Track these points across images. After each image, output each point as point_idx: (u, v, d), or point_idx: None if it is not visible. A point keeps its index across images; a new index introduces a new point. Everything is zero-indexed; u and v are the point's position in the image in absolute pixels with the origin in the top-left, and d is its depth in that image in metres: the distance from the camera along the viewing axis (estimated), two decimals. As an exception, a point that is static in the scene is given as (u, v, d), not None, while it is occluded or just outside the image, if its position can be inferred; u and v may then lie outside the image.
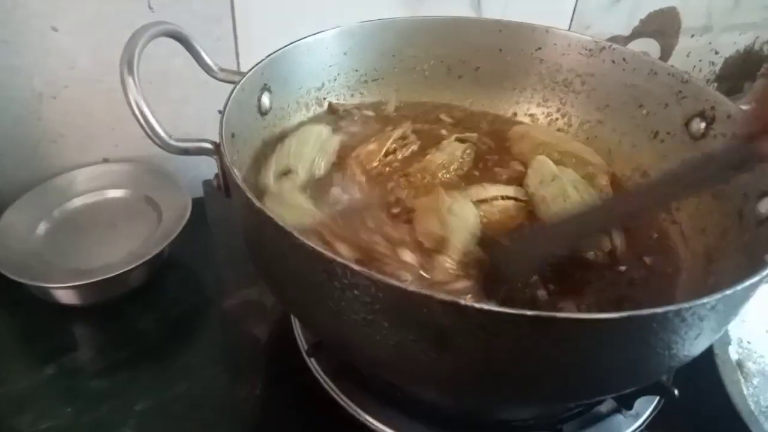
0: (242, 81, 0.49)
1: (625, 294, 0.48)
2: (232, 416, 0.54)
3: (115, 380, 0.57)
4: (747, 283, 0.33)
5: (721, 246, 0.49)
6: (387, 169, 0.60)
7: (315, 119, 0.64)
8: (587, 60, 0.64)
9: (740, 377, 0.54)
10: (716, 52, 1.05)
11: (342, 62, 0.64)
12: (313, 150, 0.58)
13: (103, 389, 0.56)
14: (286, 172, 0.56)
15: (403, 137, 0.63)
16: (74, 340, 0.61)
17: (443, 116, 0.69)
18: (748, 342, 0.59)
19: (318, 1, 0.74)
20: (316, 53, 0.61)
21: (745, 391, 0.53)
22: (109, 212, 0.71)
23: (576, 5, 0.88)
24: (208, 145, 0.44)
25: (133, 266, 0.61)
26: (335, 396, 0.51)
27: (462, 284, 0.44)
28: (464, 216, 0.50)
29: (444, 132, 0.66)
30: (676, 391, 0.48)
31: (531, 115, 0.69)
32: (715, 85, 1.09)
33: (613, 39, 0.93)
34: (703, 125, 0.54)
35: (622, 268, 0.50)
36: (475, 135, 0.64)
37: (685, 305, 0.31)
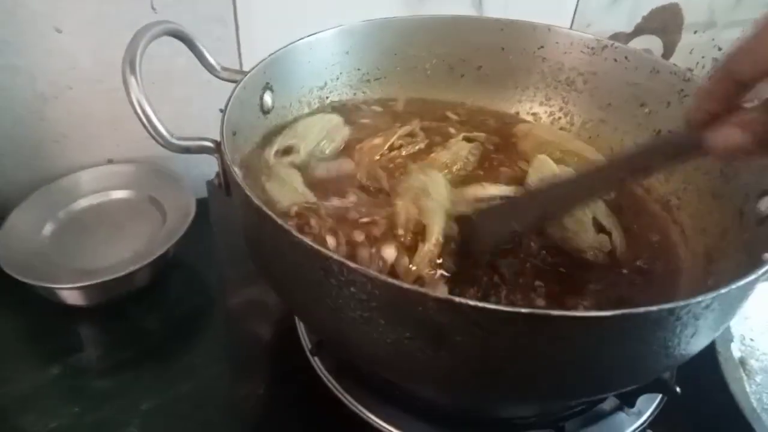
0: (244, 80, 0.50)
1: (625, 294, 0.48)
2: (236, 415, 0.54)
3: (120, 380, 0.57)
4: (743, 282, 0.33)
5: (722, 245, 0.48)
6: (390, 165, 0.60)
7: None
8: (589, 58, 0.64)
9: (743, 375, 0.54)
10: (719, 49, 1.04)
11: (344, 61, 0.64)
12: (320, 134, 0.59)
13: (108, 389, 0.57)
14: (288, 150, 0.56)
15: (411, 134, 0.63)
16: (79, 340, 0.62)
17: (450, 114, 0.69)
18: (751, 339, 0.59)
19: (320, 1, 0.74)
20: (318, 52, 0.61)
21: (748, 389, 0.52)
22: (113, 213, 0.72)
23: (578, 3, 0.88)
24: (209, 144, 0.44)
25: (138, 267, 0.62)
26: (339, 394, 0.51)
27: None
28: (439, 194, 0.50)
29: (452, 130, 0.66)
30: (678, 389, 0.48)
31: (534, 114, 0.69)
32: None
33: (616, 36, 0.93)
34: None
35: (623, 269, 0.50)
36: (483, 135, 0.64)
37: (680, 303, 0.31)
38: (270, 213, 0.36)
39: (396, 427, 0.49)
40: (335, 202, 0.50)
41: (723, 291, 0.33)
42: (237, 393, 0.56)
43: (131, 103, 0.41)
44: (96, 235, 0.68)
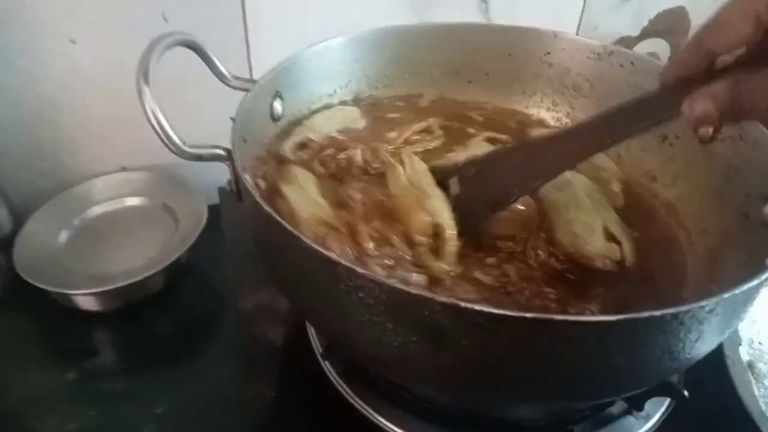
0: (254, 89, 0.51)
1: (632, 300, 0.48)
2: (248, 417, 0.55)
3: (135, 383, 0.59)
4: (746, 286, 0.33)
5: (726, 249, 0.48)
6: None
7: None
8: (595, 64, 0.64)
9: (751, 378, 0.54)
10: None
11: (353, 68, 0.65)
12: (334, 128, 0.60)
13: (123, 392, 0.58)
14: (304, 144, 0.57)
15: (428, 130, 0.64)
16: (94, 345, 0.63)
17: (473, 114, 0.69)
18: (759, 343, 0.59)
19: (328, 8, 0.75)
20: (327, 60, 0.62)
21: (756, 392, 0.52)
22: (127, 220, 0.73)
23: (584, 7, 0.89)
24: (221, 152, 0.45)
25: (152, 272, 0.63)
26: (348, 398, 0.52)
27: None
28: (429, 183, 0.52)
29: (472, 130, 0.66)
30: (686, 393, 0.48)
31: (541, 120, 0.69)
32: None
33: (622, 40, 0.93)
34: (711, 129, 0.53)
35: (630, 276, 0.50)
36: (506, 137, 0.64)
37: (683, 308, 0.31)
38: (279, 219, 0.37)
39: (405, 430, 0.49)
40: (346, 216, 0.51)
41: (726, 295, 0.33)
42: (248, 396, 0.56)
43: (145, 112, 0.41)
44: (110, 242, 0.70)
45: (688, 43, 0.38)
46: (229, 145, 0.45)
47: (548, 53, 0.66)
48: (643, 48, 0.94)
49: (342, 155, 0.57)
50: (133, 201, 0.75)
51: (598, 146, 0.47)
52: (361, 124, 0.63)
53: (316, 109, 0.63)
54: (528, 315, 0.31)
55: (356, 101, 0.67)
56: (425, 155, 0.60)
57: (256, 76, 0.54)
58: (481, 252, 0.49)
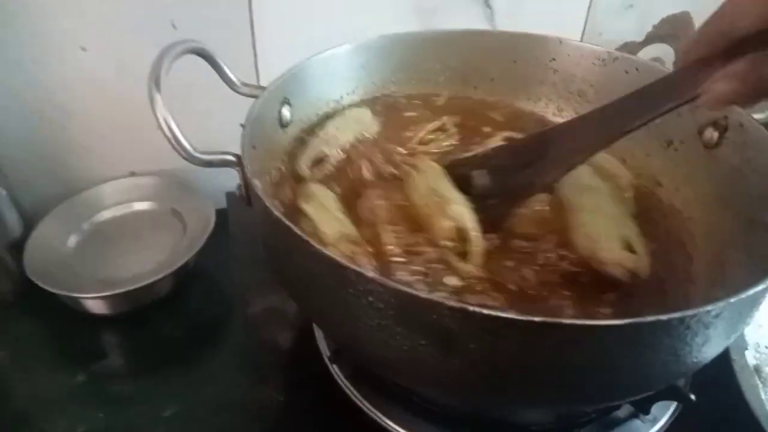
0: (263, 95, 0.51)
1: (644, 307, 0.48)
2: (255, 420, 0.55)
3: (143, 386, 0.59)
4: (752, 291, 0.34)
5: (731, 254, 0.48)
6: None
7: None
8: (600, 70, 0.64)
9: (758, 382, 0.54)
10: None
11: (360, 75, 0.65)
12: (349, 137, 0.60)
13: (132, 395, 0.58)
14: (320, 159, 0.58)
15: (442, 129, 0.64)
16: (103, 348, 0.63)
17: (492, 114, 0.69)
18: (766, 347, 0.59)
19: (334, 15, 0.76)
20: (335, 67, 0.62)
21: (763, 396, 0.52)
22: (136, 224, 0.73)
23: (588, 12, 0.89)
24: (231, 158, 0.45)
25: (160, 277, 0.63)
26: (357, 401, 0.52)
27: None
28: (447, 188, 0.52)
29: (487, 129, 0.66)
30: (693, 397, 0.48)
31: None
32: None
33: (626, 45, 0.93)
34: (716, 134, 0.53)
35: (644, 286, 0.49)
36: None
37: (689, 312, 0.32)
38: (289, 223, 0.38)
39: (412, 432, 0.50)
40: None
41: (733, 300, 0.33)
42: (256, 399, 0.57)
43: (157, 119, 0.42)
44: (119, 246, 0.70)
45: (708, 21, 0.38)
46: (238, 151, 0.46)
47: (553, 59, 0.67)
48: (647, 53, 0.95)
49: (353, 170, 0.58)
50: (141, 206, 0.75)
51: (622, 129, 0.46)
52: (374, 127, 0.63)
53: (329, 113, 0.64)
54: (536, 319, 0.31)
55: (373, 100, 0.67)
56: (442, 157, 0.60)
57: (263, 83, 0.55)
58: (500, 253, 0.50)
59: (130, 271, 0.66)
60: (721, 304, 0.33)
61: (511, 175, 0.52)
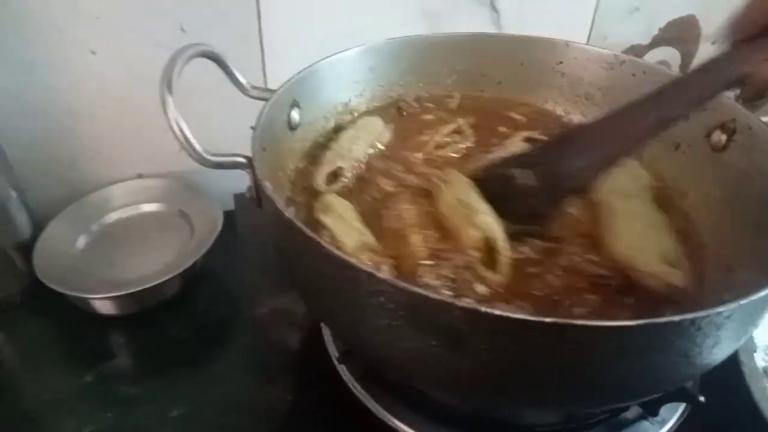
0: (272, 98, 0.51)
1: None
2: (263, 421, 0.56)
3: (151, 387, 0.59)
4: (763, 293, 0.34)
5: (739, 257, 0.48)
6: (437, 160, 0.60)
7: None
8: (607, 73, 0.65)
9: (767, 384, 0.54)
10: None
11: (367, 78, 0.66)
12: (363, 148, 0.60)
13: (140, 395, 0.58)
14: (336, 174, 0.58)
15: (458, 131, 0.64)
16: (111, 348, 0.64)
17: (510, 113, 0.69)
18: (775, 349, 0.59)
19: (342, 19, 0.76)
20: (343, 70, 0.63)
21: (772, 398, 0.52)
22: (144, 226, 0.74)
23: (594, 16, 0.89)
24: (242, 159, 0.46)
25: (168, 278, 0.64)
26: (365, 402, 0.52)
27: None
28: (475, 199, 0.51)
29: (504, 129, 0.66)
30: (702, 398, 0.48)
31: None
32: (738, 91, 1.08)
33: (633, 48, 0.93)
34: (724, 137, 0.54)
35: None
36: (545, 138, 0.64)
37: (701, 314, 0.32)
38: (301, 225, 0.38)
39: (421, 434, 0.50)
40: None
41: (743, 302, 0.33)
42: (264, 400, 0.57)
43: (168, 121, 0.42)
44: (127, 247, 0.71)
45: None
46: (247, 153, 0.46)
47: (560, 62, 0.67)
48: (653, 56, 0.95)
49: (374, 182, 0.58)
50: (149, 207, 0.76)
51: (676, 114, 0.46)
52: (386, 135, 0.63)
53: (340, 124, 0.64)
54: (547, 319, 0.31)
55: (385, 107, 0.68)
56: (465, 165, 0.60)
57: (270, 86, 0.55)
58: (526, 259, 0.49)
59: (137, 272, 0.66)
60: (732, 305, 0.33)
61: (556, 171, 0.51)
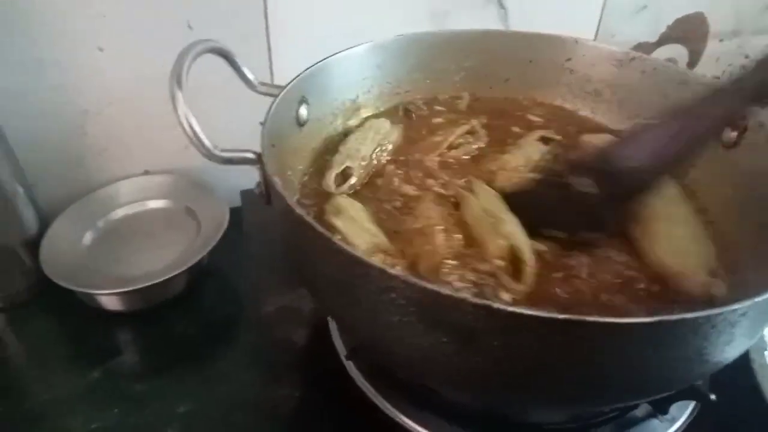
0: (281, 94, 0.51)
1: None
2: (271, 418, 0.56)
3: (158, 383, 0.59)
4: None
5: (750, 258, 0.48)
6: (453, 162, 0.60)
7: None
8: (617, 70, 0.64)
9: (777, 383, 0.54)
10: (746, 56, 1.03)
11: (375, 75, 0.65)
12: (370, 148, 0.60)
13: (146, 392, 0.58)
14: (346, 175, 0.57)
15: (471, 132, 0.64)
16: (118, 345, 0.64)
17: (526, 114, 0.68)
18: (785, 348, 0.58)
19: (349, 17, 0.76)
20: (351, 66, 0.62)
21: (782, 397, 0.52)
22: (150, 222, 0.74)
23: (602, 14, 0.89)
24: (251, 155, 0.45)
25: (174, 274, 0.64)
26: (373, 398, 0.52)
27: None
28: (501, 209, 0.51)
29: (516, 129, 0.66)
30: (713, 396, 0.48)
31: (598, 124, 0.68)
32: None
33: (640, 46, 0.93)
34: (734, 134, 0.53)
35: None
36: (559, 138, 0.64)
37: (715, 311, 0.32)
38: (311, 221, 0.38)
39: (429, 430, 0.50)
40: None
41: (758, 299, 0.33)
42: (271, 396, 0.57)
43: (178, 116, 0.42)
44: (133, 244, 0.71)
45: None
46: (256, 149, 0.46)
47: (569, 59, 0.67)
48: (660, 54, 0.95)
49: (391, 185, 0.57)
50: (155, 204, 0.76)
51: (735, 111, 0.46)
52: (394, 135, 0.63)
53: (348, 130, 0.64)
54: (560, 316, 0.31)
55: (394, 108, 0.68)
56: (477, 162, 0.60)
57: (277, 83, 0.55)
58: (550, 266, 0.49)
59: (144, 268, 0.66)
60: (747, 303, 0.33)
61: (617, 176, 0.50)
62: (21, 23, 0.64)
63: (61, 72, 0.68)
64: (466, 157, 0.61)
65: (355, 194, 0.56)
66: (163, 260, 0.67)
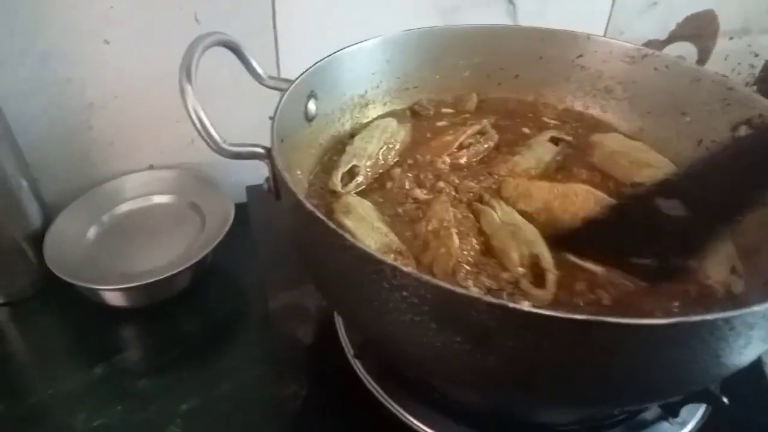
0: (290, 88, 0.51)
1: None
2: (276, 416, 0.55)
3: (162, 380, 0.59)
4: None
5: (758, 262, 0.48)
6: (463, 164, 0.60)
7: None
8: (629, 67, 0.63)
9: (789, 386, 0.53)
10: (756, 54, 1.02)
11: (384, 70, 0.65)
12: (377, 147, 0.59)
13: (150, 388, 0.58)
14: (352, 174, 0.57)
15: (482, 132, 0.63)
16: (122, 341, 0.63)
17: (536, 114, 0.68)
18: (797, 351, 0.58)
19: (356, 12, 0.75)
20: (360, 61, 0.62)
21: (795, 401, 0.52)
22: (155, 217, 0.73)
23: (611, 11, 0.88)
24: (260, 150, 0.45)
25: (178, 270, 0.63)
26: (379, 396, 0.52)
27: None
28: (518, 219, 0.51)
29: (526, 130, 0.65)
30: (725, 399, 0.47)
31: (607, 123, 0.67)
32: (755, 87, 1.06)
33: (649, 44, 0.92)
34: (750, 133, 0.53)
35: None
36: (570, 138, 0.63)
37: (734, 313, 0.31)
38: (322, 217, 0.37)
39: (435, 430, 0.49)
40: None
41: (777, 301, 0.32)
42: (276, 394, 0.56)
43: (187, 110, 0.42)
44: (138, 239, 0.70)
45: None
46: (265, 143, 0.45)
47: (581, 56, 0.66)
48: (669, 52, 0.94)
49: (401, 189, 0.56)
50: (160, 199, 0.75)
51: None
52: (401, 134, 0.62)
53: (355, 129, 0.63)
54: (578, 316, 0.30)
55: (401, 110, 0.67)
56: (486, 161, 0.60)
57: (284, 77, 0.54)
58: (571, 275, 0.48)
59: (148, 264, 0.65)
60: (766, 305, 0.32)
61: (710, 198, 0.48)
62: (26, 14, 0.64)
63: (67, 65, 0.68)
64: (476, 159, 0.60)
65: (365, 196, 0.55)
66: (167, 256, 0.66)
